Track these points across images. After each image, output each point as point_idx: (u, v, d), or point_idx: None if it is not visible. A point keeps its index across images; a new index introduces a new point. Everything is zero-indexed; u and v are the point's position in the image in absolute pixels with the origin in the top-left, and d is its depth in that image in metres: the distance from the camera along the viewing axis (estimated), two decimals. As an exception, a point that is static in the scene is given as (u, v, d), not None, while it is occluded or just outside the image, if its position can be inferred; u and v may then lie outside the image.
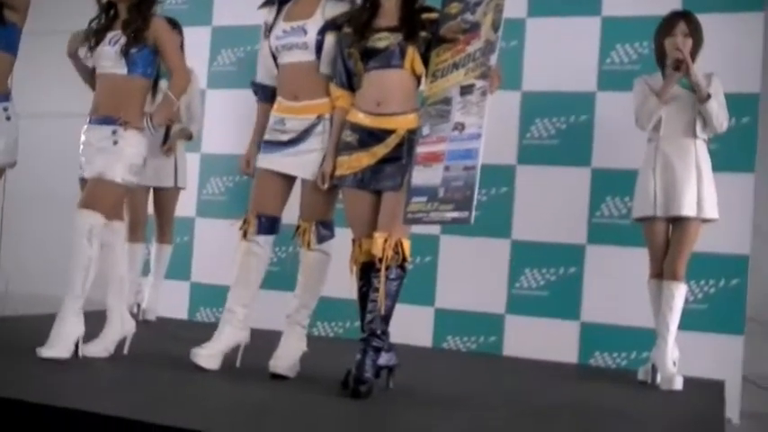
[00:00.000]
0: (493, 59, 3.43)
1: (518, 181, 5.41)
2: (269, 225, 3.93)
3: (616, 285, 5.10)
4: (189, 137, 5.60)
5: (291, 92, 3.90)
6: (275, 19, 3.98)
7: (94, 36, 4.03)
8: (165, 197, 5.57)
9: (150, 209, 5.63)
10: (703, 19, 4.57)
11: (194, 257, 6.22)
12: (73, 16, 6.51)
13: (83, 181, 4.04)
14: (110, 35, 4.00)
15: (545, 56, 5.39)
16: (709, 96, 4.36)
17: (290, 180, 3.96)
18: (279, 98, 3.96)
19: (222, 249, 6.02)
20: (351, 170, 3.72)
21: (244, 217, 3.95)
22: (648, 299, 4.59)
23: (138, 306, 5.61)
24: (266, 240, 3.94)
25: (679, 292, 4.43)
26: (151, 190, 5.54)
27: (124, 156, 3.92)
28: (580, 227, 5.27)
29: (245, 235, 3.92)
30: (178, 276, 6.09)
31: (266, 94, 4.08)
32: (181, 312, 6.16)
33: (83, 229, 3.83)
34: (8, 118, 4.26)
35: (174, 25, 5.05)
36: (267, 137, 3.95)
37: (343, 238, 3.88)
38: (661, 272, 4.51)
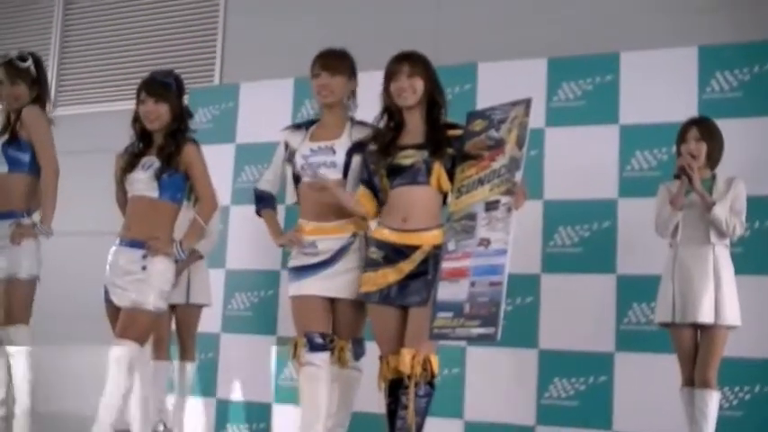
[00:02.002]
0: (518, 176, 3.47)
1: (543, 290, 5.36)
2: (321, 342, 3.82)
3: (647, 393, 4.98)
4: (199, 257, 5.58)
5: (320, 212, 3.91)
6: (301, 142, 4.02)
7: (130, 161, 4.14)
8: (181, 314, 5.49)
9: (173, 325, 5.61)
10: (723, 123, 4.58)
11: (219, 373, 6.15)
12: (96, 136, 6.71)
13: (109, 303, 4.08)
14: (144, 160, 4.12)
15: (565, 165, 5.40)
16: (714, 204, 4.36)
17: (329, 299, 3.90)
18: (302, 221, 3.98)
19: (247, 365, 6.06)
20: (377, 286, 3.73)
21: (293, 342, 3.89)
22: (681, 406, 4.51)
23: (164, 425, 5.54)
24: (322, 358, 3.81)
25: (712, 400, 4.34)
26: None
27: (154, 283, 3.97)
28: (608, 334, 5.19)
29: (299, 361, 3.82)
30: (203, 393, 6.04)
31: (271, 203, 4.12)
32: (207, 430, 6.07)
33: (124, 362, 3.88)
34: None
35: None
36: (296, 263, 3.94)
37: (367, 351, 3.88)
38: (692, 380, 4.42)
